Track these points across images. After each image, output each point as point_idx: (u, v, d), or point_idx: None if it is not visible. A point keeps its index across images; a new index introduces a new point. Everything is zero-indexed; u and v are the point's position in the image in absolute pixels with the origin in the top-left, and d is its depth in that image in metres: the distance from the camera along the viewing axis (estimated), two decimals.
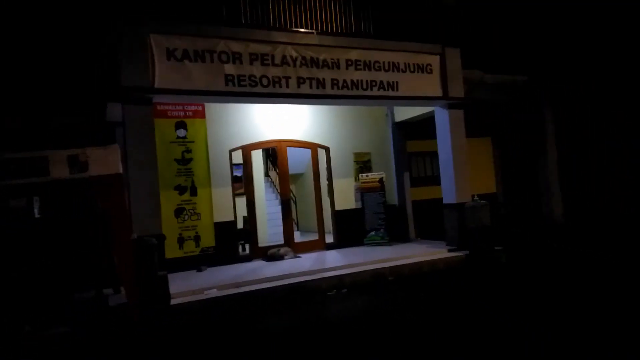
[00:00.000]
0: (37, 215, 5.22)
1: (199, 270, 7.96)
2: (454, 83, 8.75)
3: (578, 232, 10.42)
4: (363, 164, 10.23)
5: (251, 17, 7.27)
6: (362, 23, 8.15)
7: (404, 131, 10.53)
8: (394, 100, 8.57)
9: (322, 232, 9.72)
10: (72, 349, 4.54)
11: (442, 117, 8.95)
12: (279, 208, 9.83)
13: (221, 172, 8.67)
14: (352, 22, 8.08)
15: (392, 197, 10.36)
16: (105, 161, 5.04)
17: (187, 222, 8.23)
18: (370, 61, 8.03)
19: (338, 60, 7.77)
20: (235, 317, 5.89)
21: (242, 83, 7.06)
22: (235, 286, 6.69)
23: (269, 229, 10.60)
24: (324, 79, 7.64)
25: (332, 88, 7.71)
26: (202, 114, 8.49)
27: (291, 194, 11.16)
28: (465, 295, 6.23)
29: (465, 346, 4.28)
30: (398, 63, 8.28)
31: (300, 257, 8.82)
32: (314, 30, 7.71)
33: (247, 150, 9.08)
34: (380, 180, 9.87)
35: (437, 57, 8.70)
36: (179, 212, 8.18)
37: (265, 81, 7.21)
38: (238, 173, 9.32)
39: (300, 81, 7.47)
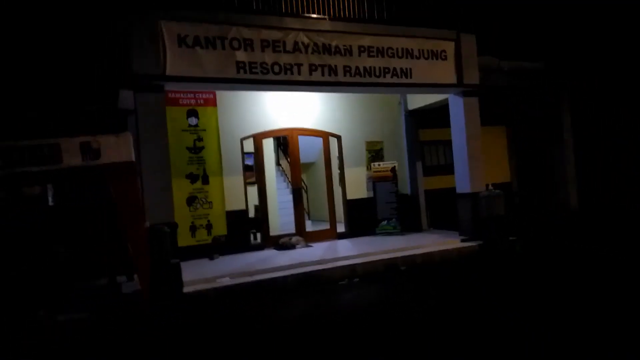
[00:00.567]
0: (51, 203, 5.24)
1: (211, 258, 7.98)
2: (469, 70, 8.57)
3: (593, 223, 10.22)
4: (375, 153, 10.13)
5: (263, 2, 7.17)
6: (375, 8, 8.00)
7: (417, 119, 10.38)
8: (408, 87, 8.43)
9: (333, 221, 9.68)
10: (86, 334, 4.58)
11: (457, 105, 8.79)
12: (290, 197, 9.81)
13: (233, 161, 8.64)
14: (364, 8, 7.93)
15: (405, 187, 10.26)
16: (117, 149, 5.03)
17: (199, 210, 8.23)
18: (383, 47, 7.89)
19: (350, 46, 7.64)
20: (247, 306, 5.89)
21: (254, 70, 6.98)
22: (247, 275, 6.70)
23: (281, 218, 10.58)
24: (336, 66, 7.53)
25: (345, 75, 7.59)
26: (213, 102, 8.44)
27: (302, 183, 11.12)
28: (475, 289, 6.09)
29: (466, 345, 4.16)
30: (412, 49, 8.13)
31: (311, 246, 8.80)
32: (326, 16, 7.59)
33: (258, 138, 9.03)
34: (393, 170, 9.76)
35: (452, 43, 8.52)
36: (191, 200, 8.18)
37: (276, 68, 7.13)
38: (249, 162, 9.28)
39: (312, 68, 7.37)
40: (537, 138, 11.72)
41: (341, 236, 9.55)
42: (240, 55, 6.91)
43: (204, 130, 8.34)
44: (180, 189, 7.96)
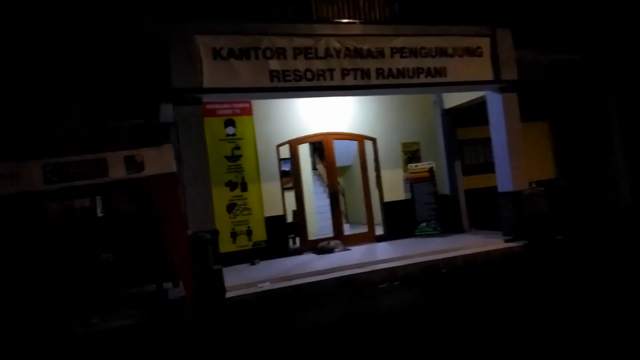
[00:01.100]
0: (100, 214, 5.52)
1: (252, 263, 8.15)
2: (506, 65, 8.33)
3: None
4: (412, 154, 10.01)
5: (294, 11, 7.28)
6: (406, 8, 7.93)
7: (454, 118, 10.17)
8: (443, 86, 8.29)
9: (371, 224, 9.64)
10: (137, 339, 4.78)
11: (495, 102, 8.55)
12: (327, 201, 9.84)
13: (269, 167, 8.80)
14: (395, 9, 7.88)
15: (444, 187, 10.06)
16: (159, 161, 5.24)
17: (239, 217, 8.43)
18: (416, 48, 7.81)
19: (382, 49, 7.61)
20: (288, 309, 5.97)
21: (287, 78, 7.10)
22: (287, 279, 6.78)
23: (318, 222, 10.64)
24: (368, 69, 7.53)
25: (377, 78, 7.58)
26: (249, 111, 8.64)
27: (339, 187, 11.14)
28: (520, 293, 5.82)
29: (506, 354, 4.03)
30: (445, 48, 8.00)
31: (350, 249, 8.80)
32: (356, 20, 7.61)
33: (294, 144, 9.15)
34: (430, 170, 9.61)
35: (487, 39, 8.32)
36: (230, 207, 8.40)
37: (309, 75, 7.21)
38: (286, 167, 9.42)
39: (344, 73, 7.40)
40: (582, 132, 11.18)
41: (380, 239, 9.49)
42: (274, 64, 7.04)
43: (241, 138, 8.55)
44: (220, 196, 8.19)
